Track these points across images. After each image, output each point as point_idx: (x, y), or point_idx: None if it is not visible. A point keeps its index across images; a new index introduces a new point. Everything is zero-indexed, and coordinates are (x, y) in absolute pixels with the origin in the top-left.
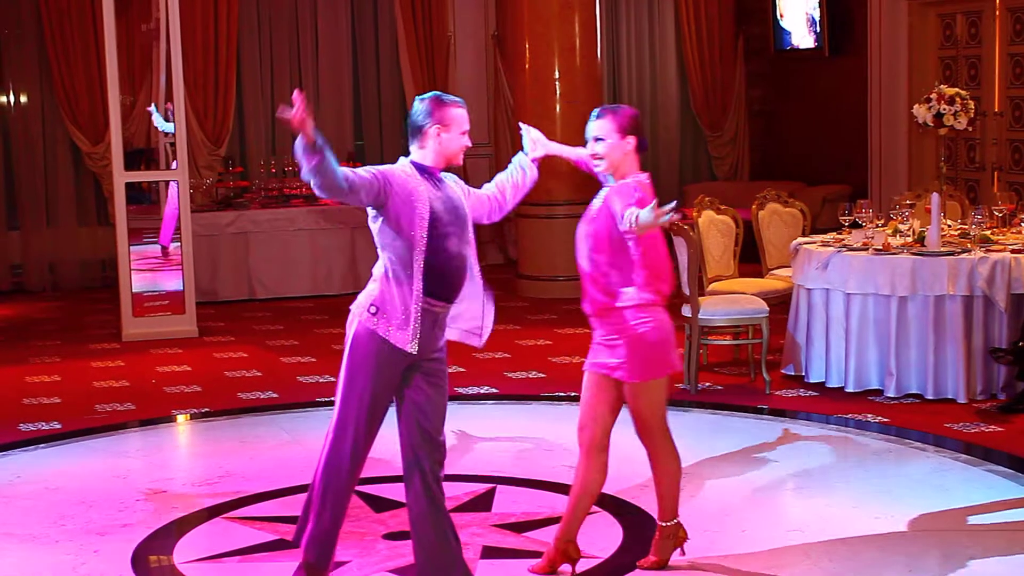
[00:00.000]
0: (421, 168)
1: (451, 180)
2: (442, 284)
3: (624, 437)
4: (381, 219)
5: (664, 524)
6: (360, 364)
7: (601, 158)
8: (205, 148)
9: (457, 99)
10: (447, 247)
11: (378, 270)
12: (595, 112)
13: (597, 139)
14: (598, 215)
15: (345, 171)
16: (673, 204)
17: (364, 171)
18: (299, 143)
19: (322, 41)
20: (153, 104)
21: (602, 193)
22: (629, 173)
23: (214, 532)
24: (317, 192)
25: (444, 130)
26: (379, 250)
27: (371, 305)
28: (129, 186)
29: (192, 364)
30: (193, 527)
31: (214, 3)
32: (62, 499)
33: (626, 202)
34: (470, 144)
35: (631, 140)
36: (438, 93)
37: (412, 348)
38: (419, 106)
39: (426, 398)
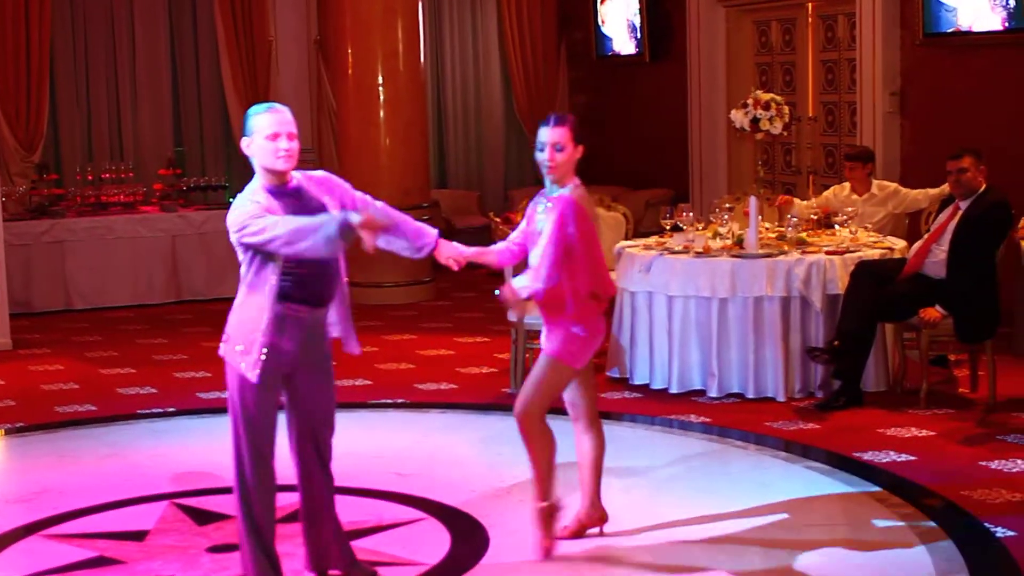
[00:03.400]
0: (270, 190)
1: (313, 183)
2: (308, 289)
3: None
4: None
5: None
6: (234, 398)
7: (557, 166)
8: (18, 155)
9: (268, 104)
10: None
11: (242, 286)
12: (552, 119)
13: (558, 147)
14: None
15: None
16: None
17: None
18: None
19: (139, 44)
20: None
21: (546, 203)
22: (569, 180)
23: (30, 550)
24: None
25: (251, 142)
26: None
27: (226, 333)
28: None
29: (6, 378)
30: (8, 545)
31: (25, 5)
32: None
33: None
34: (284, 147)
35: (580, 148)
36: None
37: (253, 376)
38: None
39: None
